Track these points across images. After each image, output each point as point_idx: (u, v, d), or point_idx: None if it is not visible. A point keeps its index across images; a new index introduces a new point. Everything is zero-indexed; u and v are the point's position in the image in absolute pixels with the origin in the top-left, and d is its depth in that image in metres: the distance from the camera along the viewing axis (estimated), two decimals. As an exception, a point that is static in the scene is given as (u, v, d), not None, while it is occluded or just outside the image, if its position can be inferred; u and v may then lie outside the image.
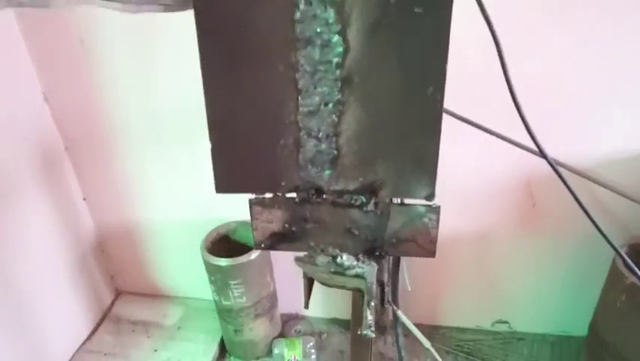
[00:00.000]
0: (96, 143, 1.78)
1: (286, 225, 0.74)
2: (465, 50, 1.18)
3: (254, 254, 1.65)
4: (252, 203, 0.75)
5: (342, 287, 0.70)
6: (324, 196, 0.72)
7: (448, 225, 1.47)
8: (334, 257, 0.69)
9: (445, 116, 0.65)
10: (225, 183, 0.72)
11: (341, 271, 0.68)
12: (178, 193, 1.83)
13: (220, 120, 0.69)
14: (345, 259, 0.68)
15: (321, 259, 0.68)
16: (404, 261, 1.03)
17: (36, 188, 1.69)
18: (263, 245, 0.76)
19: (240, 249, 1.72)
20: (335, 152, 0.69)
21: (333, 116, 0.67)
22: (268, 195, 0.74)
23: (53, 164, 1.78)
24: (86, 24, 1.55)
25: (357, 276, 0.68)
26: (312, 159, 0.70)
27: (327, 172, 0.70)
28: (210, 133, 0.69)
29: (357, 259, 0.69)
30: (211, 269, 1.67)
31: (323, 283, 0.71)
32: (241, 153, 0.70)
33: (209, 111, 0.68)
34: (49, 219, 1.76)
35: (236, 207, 1.73)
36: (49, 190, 1.75)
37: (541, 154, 0.98)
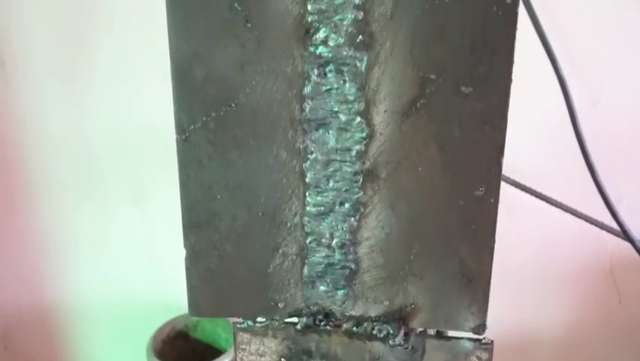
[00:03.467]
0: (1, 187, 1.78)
1: (283, 360, 0.78)
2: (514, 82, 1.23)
3: (224, 362, 1.64)
4: (237, 329, 0.78)
5: None
6: (337, 324, 0.76)
7: (495, 327, 1.47)
8: None
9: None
10: (204, 303, 0.76)
11: None
12: (116, 265, 1.82)
13: (199, 221, 0.73)
14: None
15: None
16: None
17: None
18: (250, 386, 0.80)
19: (203, 352, 1.70)
20: (352, 266, 0.73)
21: (352, 219, 0.71)
22: (260, 319, 0.78)
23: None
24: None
25: None
26: (321, 275, 0.74)
27: (342, 292, 0.74)
28: (185, 237, 0.74)
29: None
30: (161, 382, 1.66)
31: None
32: (226, 264, 0.74)
33: (184, 209, 0.73)
34: None
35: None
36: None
37: (625, 235, 0.99)
